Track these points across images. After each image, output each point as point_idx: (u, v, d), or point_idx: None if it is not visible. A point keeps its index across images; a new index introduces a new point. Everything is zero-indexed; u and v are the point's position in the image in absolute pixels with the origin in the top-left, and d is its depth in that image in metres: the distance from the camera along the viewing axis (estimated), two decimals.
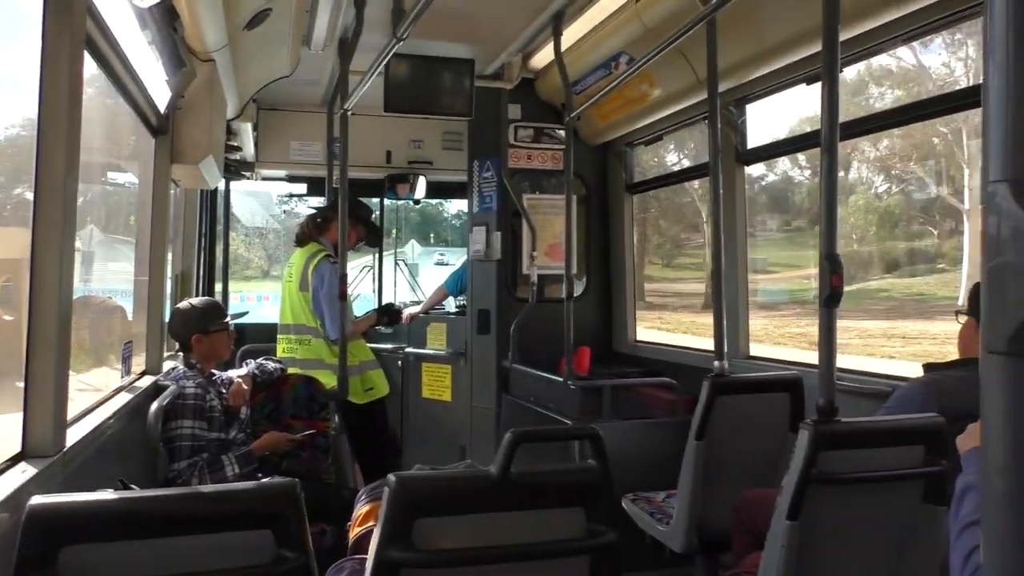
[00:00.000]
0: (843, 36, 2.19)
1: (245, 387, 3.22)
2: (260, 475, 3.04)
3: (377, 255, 6.05)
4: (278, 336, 4.29)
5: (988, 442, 0.69)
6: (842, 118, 2.02)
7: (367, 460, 4.25)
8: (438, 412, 5.38)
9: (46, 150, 1.65)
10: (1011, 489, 0.67)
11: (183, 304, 3.33)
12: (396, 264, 6.48)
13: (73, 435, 1.84)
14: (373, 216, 4.66)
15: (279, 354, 4.17)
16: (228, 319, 3.30)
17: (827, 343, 1.92)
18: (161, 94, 2.88)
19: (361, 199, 4.69)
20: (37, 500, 1.26)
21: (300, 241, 4.27)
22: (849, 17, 2.69)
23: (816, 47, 2.77)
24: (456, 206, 12.35)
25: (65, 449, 1.73)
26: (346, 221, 3.65)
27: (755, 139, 3.94)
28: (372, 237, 4.60)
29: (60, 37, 1.68)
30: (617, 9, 3.87)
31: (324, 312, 4.05)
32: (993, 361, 0.67)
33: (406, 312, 5.41)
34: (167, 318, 3.45)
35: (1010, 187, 0.65)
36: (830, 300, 1.90)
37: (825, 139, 1.94)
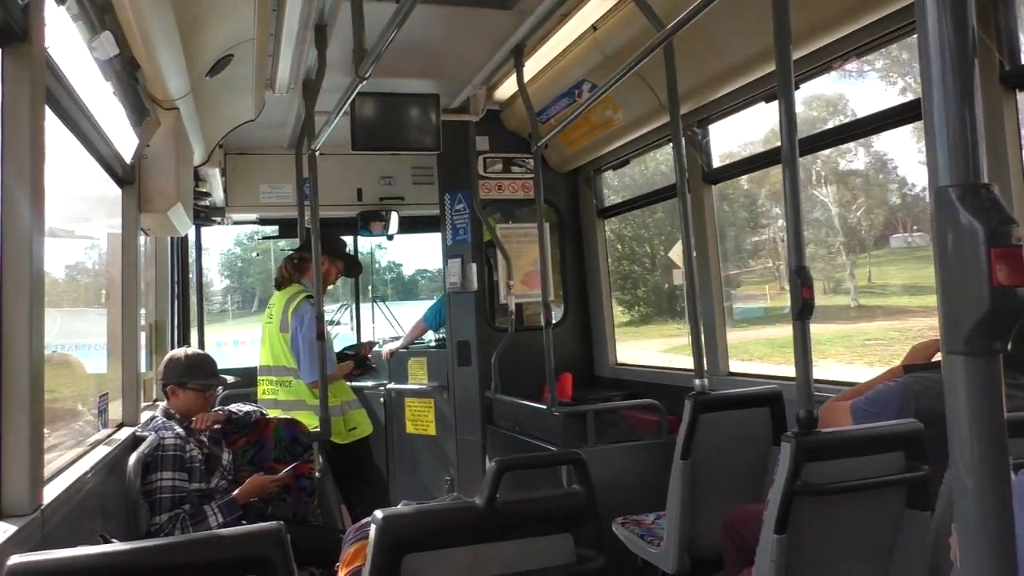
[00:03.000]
0: (796, 55, 2.25)
1: (214, 415, 3.17)
2: (245, 522, 2.99)
3: (353, 296, 6.04)
4: (258, 378, 4.23)
5: (955, 441, 0.71)
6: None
7: (354, 499, 4.19)
8: (423, 446, 5.35)
9: (11, 208, 1.64)
10: (980, 486, 0.68)
11: (177, 351, 3.29)
12: (373, 302, 6.46)
13: (50, 492, 1.81)
14: (347, 248, 4.65)
15: (260, 396, 4.12)
16: (211, 381, 3.19)
17: (803, 355, 1.95)
18: (126, 144, 2.87)
19: (333, 233, 4.68)
20: (16, 559, 1.23)
21: (279, 284, 4.23)
22: (800, 36, 2.77)
23: (771, 66, 2.85)
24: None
25: (43, 507, 1.69)
26: (318, 261, 3.65)
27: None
28: (351, 268, 4.57)
29: (20, 93, 1.68)
30: (576, 39, 3.94)
31: (300, 355, 4.00)
32: (954, 362, 0.69)
33: (386, 348, 5.38)
34: (142, 368, 3.41)
35: (954, 192, 0.68)
36: (802, 312, 1.93)
37: (785, 155, 1.98)
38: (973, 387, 0.68)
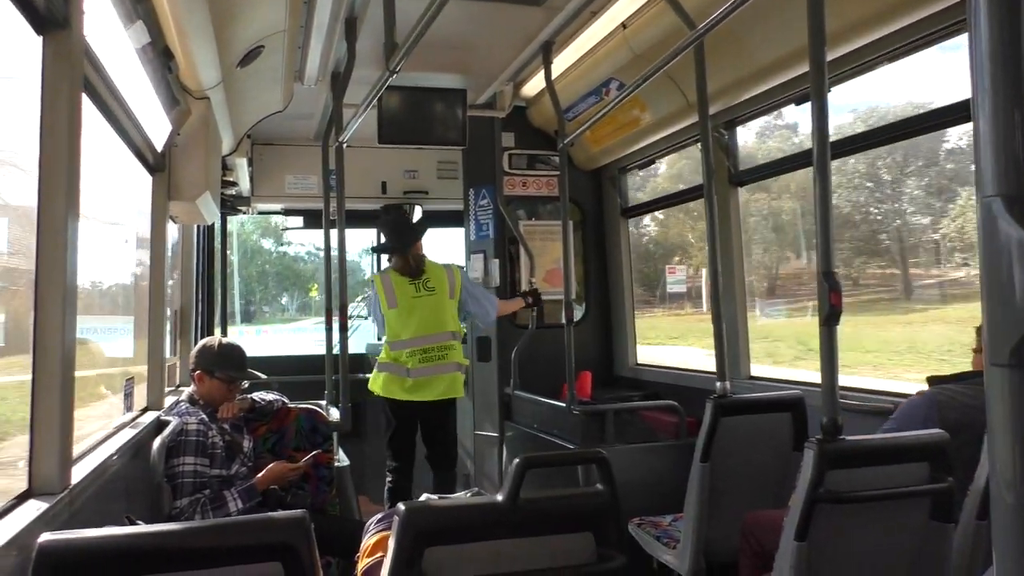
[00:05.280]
0: (830, 56, 2.22)
1: (240, 404, 3.21)
2: (265, 509, 3.02)
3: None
4: (403, 350, 4.30)
5: (995, 456, 0.70)
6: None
7: (440, 455, 4.46)
8: None
9: (47, 193, 1.67)
10: (1020, 503, 0.67)
11: (211, 338, 3.32)
12: None
13: (78, 472, 1.83)
14: (383, 222, 4.74)
15: (413, 366, 4.28)
16: (239, 375, 3.20)
17: (829, 361, 1.93)
18: (157, 132, 2.91)
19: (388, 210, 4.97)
20: (46, 537, 1.25)
21: (417, 271, 4.40)
22: (836, 37, 2.74)
23: (803, 68, 2.82)
24: None
25: (71, 487, 1.72)
26: (343, 245, 3.73)
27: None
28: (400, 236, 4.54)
29: (59, 80, 1.70)
30: (606, 36, 3.93)
31: (481, 300, 4.51)
32: (997, 374, 0.68)
33: None
34: (167, 353, 3.44)
35: (1004, 202, 0.67)
36: (830, 319, 1.91)
37: (817, 158, 1.96)
38: (1017, 400, 0.67)
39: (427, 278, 4.40)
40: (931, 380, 2.41)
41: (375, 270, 5.80)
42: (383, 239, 4.58)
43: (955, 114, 2.81)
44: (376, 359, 4.56)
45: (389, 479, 4.44)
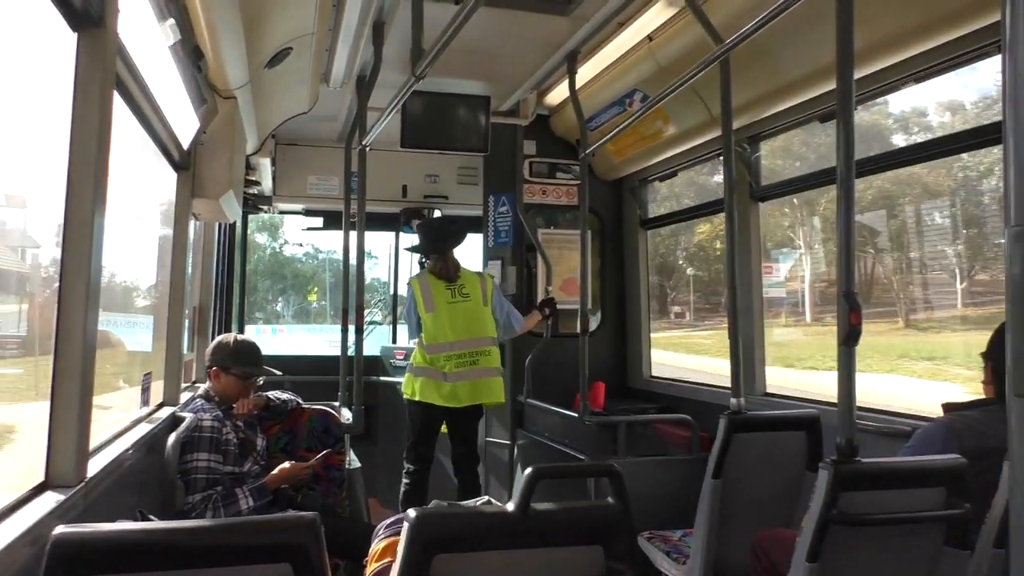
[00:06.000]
0: (857, 74, 2.21)
1: (255, 400, 3.23)
2: (276, 508, 3.04)
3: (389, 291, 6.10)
4: (442, 354, 4.30)
5: (1016, 485, 0.69)
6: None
7: (469, 464, 4.46)
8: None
9: (75, 188, 1.69)
10: None
11: (227, 335, 3.35)
12: None
13: (94, 466, 1.85)
14: (424, 225, 4.74)
15: (450, 370, 4.29)
16: (254, 371, 3.23)
17: (847, 382, 1.91)
18: (184, 130, 2.94)
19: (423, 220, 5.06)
20: (61, 530, 1.27)
21: (453, 276, 4.43)
22: (863, 55, 2.73)
23: (830, 85, 2.81)
24: None
25: (87, 479, 1.74)
26: (363, 247, 3.79)
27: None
28: (440, 240, 4.56)
29: (91, 77, 1.72)
30: (631, 48, 3.93)
31: (510, 312, 4.55)
32: (1020, 405, 0.67)
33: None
34: (184, 350, 3.47)
35: None
36: (849, 339, 1.89)
37: (841, 176, 1.95)
38: None
39: (462, 284, 4.41)
40: (946, 407, 2.38)
41: (391, 275, 5.83)
42: (421, 241, 4.57)
43: (985, 135, 2.78)
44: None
45: (407, 482, 4.41)
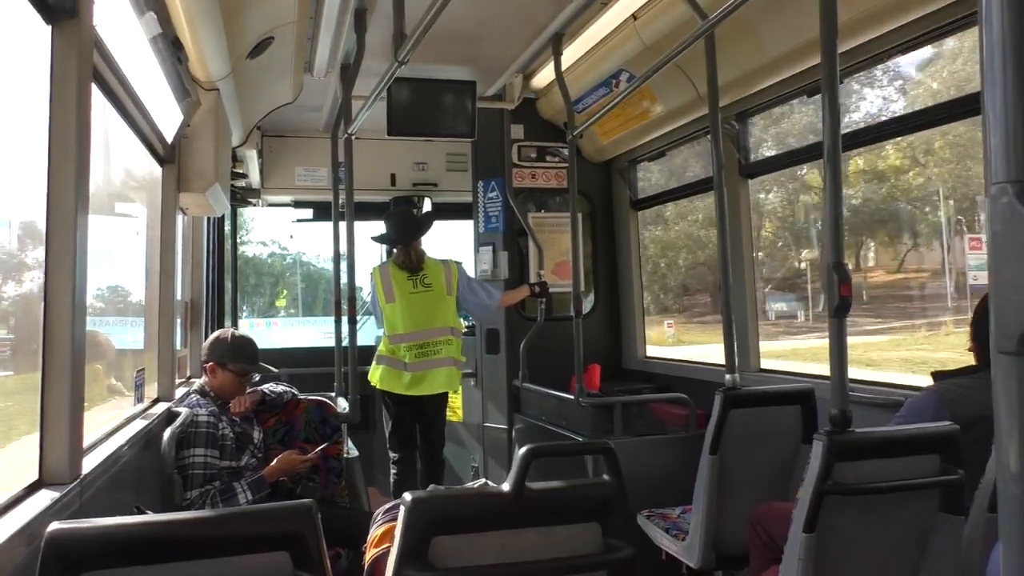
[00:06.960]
0: (841, 48, 2.20)
1: (251, 398, 3.23)
2: (275, 501, 3.04)
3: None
4: (401, 344, 4.31)
5: (1000, 446, 0.69)
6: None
7: (432, 451, 4.47)
8: (451, 433, 5.37)
9: (56, 184, 1.67)
10: None
11: (224, 331, 3.34)
12: None
13: (89, 463, 1.85)
14: (390, 215, 4.70)
15: (410, 360, 4.29)
16: (250, 367, 3.22)
17: (838, 353, 1.92)
18: (167, 123, 2.92)
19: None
20: (56, 526, 1.26)
21: (416, 267, 4.40)
22: (847, 29, 2.72)
23: (815, 59, 2.80)
24: None
25: (82, 476, 1.73)
26: (353, 236, 3.77)
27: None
28: (404, 231, 4.53)
29: (68, 70, 1.70)
30: (616, 27, 3.91)
31: (481, 290, 4.54)
32: (1004, 362, 0.67)
33: None
34: (176, 346, 3.46)
35: (1013, 188, 0.66)
36: (839, 310, 1.90)
37: (828, 150, 1.95)
38: (1023, 388, 0.66)
39: (424, 274, 4.41)
40: (936, 375, 2.39)
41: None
42: (387, 231, 4.57)
43: (966, 106, 2.78)
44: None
45: (394, 471, 4.46)
